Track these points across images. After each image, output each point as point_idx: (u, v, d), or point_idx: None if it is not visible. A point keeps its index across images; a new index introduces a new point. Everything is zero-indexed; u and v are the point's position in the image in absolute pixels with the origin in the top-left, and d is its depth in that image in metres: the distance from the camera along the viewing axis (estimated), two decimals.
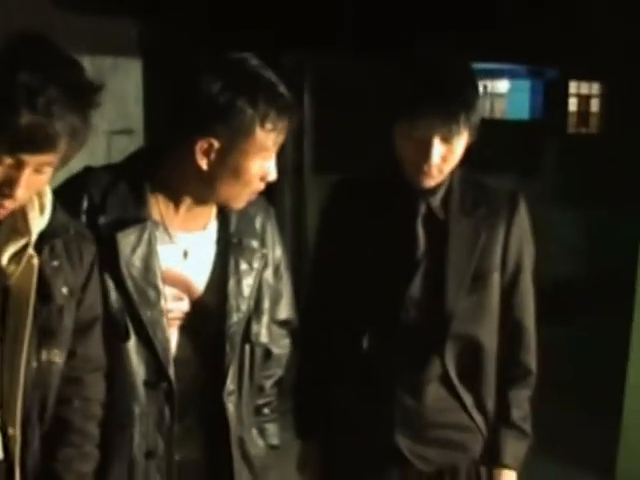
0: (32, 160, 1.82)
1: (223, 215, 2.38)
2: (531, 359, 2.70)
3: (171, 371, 2.28)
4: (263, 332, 2.45)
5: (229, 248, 2.37)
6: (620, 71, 9.03)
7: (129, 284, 2.20)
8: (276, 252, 2.51)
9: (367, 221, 2.58)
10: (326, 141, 7.71)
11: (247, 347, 2.41)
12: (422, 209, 2.54)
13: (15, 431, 1.99)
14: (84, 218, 2.19)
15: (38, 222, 1.97)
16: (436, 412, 2.61)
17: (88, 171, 2.29)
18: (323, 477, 2.83)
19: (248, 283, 2.38)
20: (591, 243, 9.28)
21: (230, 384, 2.37)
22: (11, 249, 1.93)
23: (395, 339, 2.57)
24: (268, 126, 2.17)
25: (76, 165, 5.73)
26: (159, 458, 2.32)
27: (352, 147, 7.44)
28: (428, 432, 2.62)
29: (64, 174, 2.13)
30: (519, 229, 2.61)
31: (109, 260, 2.18)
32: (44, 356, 2.01)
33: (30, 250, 1.94)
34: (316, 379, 2.75)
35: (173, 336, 2.32)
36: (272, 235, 2.49)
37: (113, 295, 2.20)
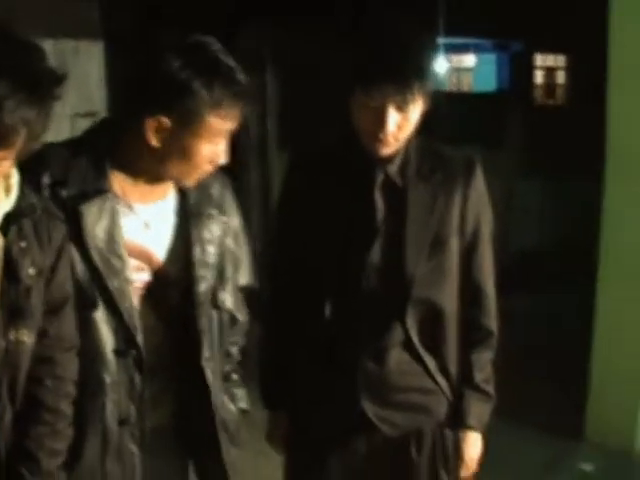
0: None
1: (181, 188, 2.41)
2: (491, 321, 2.73)
3: (139, 338, 2.32)
4: (228, 298, 2.50)
5: (190, 218, 2.40)
6: (585, 43, 9.08)
7: (94, 254, 2.23)
8: (234, 220, 2.55)
9: (326, 190, 2.60)
10: (289, 116, 7.70)
11: (215, 314, 2.46)
12: (380, 177, 2.56)
13: None
14: (47, 192, 2.22)
15: (3, 204, 1.97)
16: (400, 376, 2.64)
17: (49, 147, 2.29)
18: (292, 446, 2.87)
19: (212, 251, 2.42)
20: (557, 213, 9.35)
21: (206, 351, 2.42)
22: None
23: (357, 306, 2.60)
24: (221, 112, 2.19)
25: None
26: (132, 425, 2.36)
27: (315, 121, 7.47)
28: (393, 396, 2.66)
29: None
30: (476, 193, 2.64)
31: (73, 232, 2.21)
32: (12, 336, 2.02)
33: None
34: (280, 349, 2.78)
35: (140, 308, 2.35)
36: (229, 203, 2.53)
37: (79, 266, 2.23)
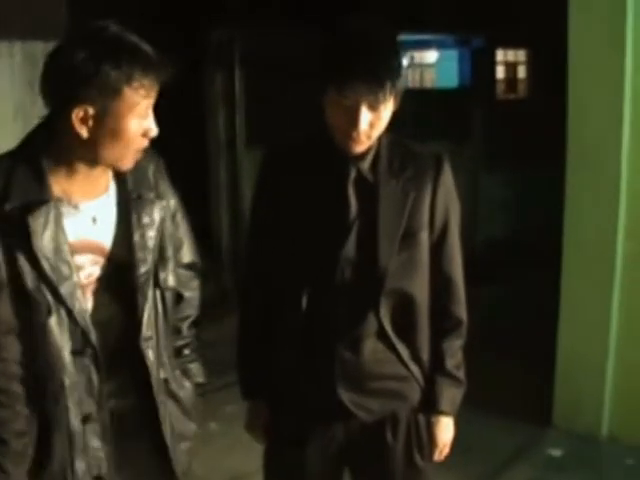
0: None
1: (119, 175, 2.46)
2: (461, 310, 2.81)
3: (93, 337, 2.38)
4: (170, 278, 2.55)
5: (130, 204, 2.45)
6: (544, 38, 9.16)
7: (44, 263, 2.27)
8: (171, 201, 2.60)
9: (300, 186, 2.66)
10: (258, 114, 7.73)
11: (157, 293, 2.51)
12: (352, 173, 2.63)
13: None
14: None
15: None
16: (374, 364, 2.71)
17: None
18: (271, 434, 2.92)
19: (150, 235, 2.47)
20: (522, 204, 9.45)
21: (147, 331, 2.47)
22: None
23: (332, 297, 2.66)
24: (135, 84, 2.23)
25: (9, 147, 5.75)
26: (94, 421, 2.43)
27: (284, 119, 7.50)
28: (368, 384, 2.73)
29: None
30: (445, 188, 2.71)
31: (20, 243, 2.26)
32: None
33: None
34: (258, 339, 2.84)
35: (93, 302, 2.42)
36: (165, 185, 2.58)
37: (30, 276, 2.28)
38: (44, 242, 2.27)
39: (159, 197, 2.52)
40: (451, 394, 2.82)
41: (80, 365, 2.38)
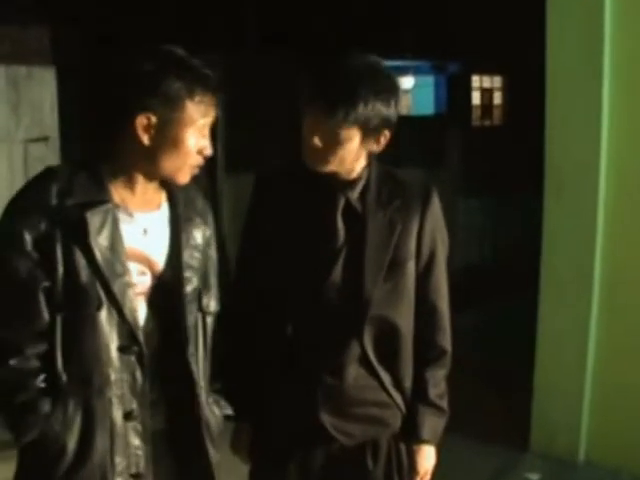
0: None
1: (172, 198, 2.56)
2: (446, 340, 2.83)
3: (140, 335, 2.45)
4: (212, 303, 2.63)
5: (180, 225, 2.55)
6: (520, 65, 9.25)
7: (99, 259, 2.37)
8: (215, 234, 2.69)
9: (289, 213, 2.71)
10: (238, 140, 7.80)
11: (200, 316, 2.59)
12: (341, 202, 2.68)
13: None
14: (54, 201, 2.37)
15: None
16: (357, 390, 2.73)
17: (51, 168, 2.49)
18: (255, 456, 2.95)
19: (197, 256, 2.57)
20: (497, 229, 9.52)
21: (191, 347, 2.55)
22: None
23: (317, 323, 2.69)
24: (196, 98, 2.38)
25: None
26: (136, 420, 2.48)
27: (263, 146, 7.56)
28: (350, 409, 2.75)
29: None
30: (432, 220, 2.75)
31: (79, 238, 2.36)
32: None
33: None
34: (245, 363, 2.85)
35: (141, 309, 2.49)
36: (210, 218, 2.69)
37: (85, 270, 2.37)
38: (101, 239, 2.38)
39: (205, 223, 2.63)
40: (433, 423, 2.84)
41: (126, 362, 2.45)
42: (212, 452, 2.66)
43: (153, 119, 2.37)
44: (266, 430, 2.88)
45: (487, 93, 10.80)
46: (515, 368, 5.87)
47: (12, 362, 2.36)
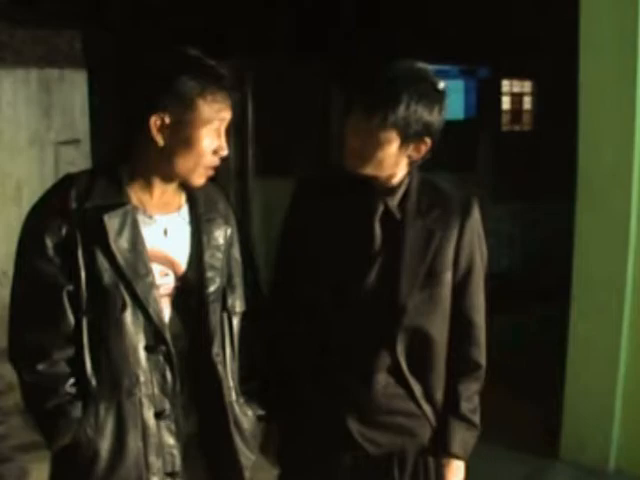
0: None
1: (191, 199, 2.58)
2: (481, 355, 2.81)
3: (167, 335, 2.47)
4: (238, 303, 2.64)
5: (201, 226, 2.57)
6: (550, 69, 9.20)
7: (120, 260, 2.40)
8: (235, 234, 2.69)
9: (327, 218, 2.72)
10: (268, 145, 7.80)
11: (225, 316, 2.60)
12: (380, 208, 2.68)
13: None
14: (74, 205, 2.40)
15: None
16: (385, 399, 2.73)
17: (70, 174, 2.52)
18: (283, 457, 2.96)
19: (219, 256, 2.58)
20: (527, 236, 9.46)
21: (216, 347, 2.56)
22: None
23: (350, 329, 2.69)
24: (208, 97, 2.40)
25: (26, 174, 5.79)
26: (168, 419, 2.50)
27: (294, 150, 7.56)
28: (378, 418, 2.75)
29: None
30: (471, 231, 2.73)
31: (99, 241, 2.39)
32: None
33: None
34: (277, 366, 2.85)
35: (166, 310, 2.51)
36: (232, 218, 2.69)
37: (107, 272, 2.40)
38: (121, 241, 2.41)
39: (227, 223, 2.63)
40: (464, 437, 2.82)
41: (154, 362, 2.48)
42: (245, 453, 2.67)
43: (167, 119, 2.39)
44: (294, 434, 2.88)
45: (517, 98, 10.74)
46: (545, 375, 5.82)
47: (40, 367, 2.39)
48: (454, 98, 10.31)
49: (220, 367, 2.57)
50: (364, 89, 2.60)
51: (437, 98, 2.62)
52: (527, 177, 9.32)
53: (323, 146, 7.89)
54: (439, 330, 2.75)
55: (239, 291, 2.66)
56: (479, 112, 10.10)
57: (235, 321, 2.64)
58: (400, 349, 2.70)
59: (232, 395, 2.63)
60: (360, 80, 2.64)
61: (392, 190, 2.69)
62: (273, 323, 2.88)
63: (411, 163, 2.70)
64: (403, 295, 2.66)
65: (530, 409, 5.96)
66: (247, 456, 2.69)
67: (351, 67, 2.75)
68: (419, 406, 2.77)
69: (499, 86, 10.48)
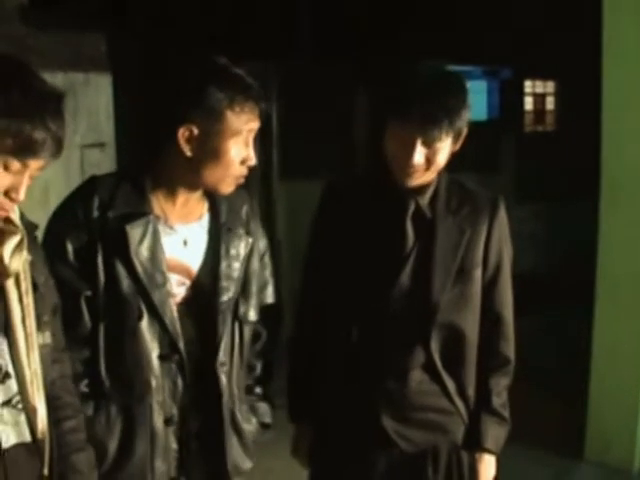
0: (34, 165, 1.95)
1: (214, 208, 2.59)
2: (510, 350, 2.84)
3: (181, 345, 2.50)
4: (251, 313, 2.66)
5: (220, 235, 2.58)
6: (573, 70, 9.19)
7: (139, 270, 2.43)
8: (260, 242, 2.73)
9: (358, 218, 2.74)
10: (293, 147, 7.83)
11: (236, 325, 2.62)
12: (411, 207, 2.70)
13: (42, 410, 2.12)
14: (96, 213, 2.43)
15: (19, 221, 2.10)
16: (419, 396, 2.76)
17: (95, 178, 2.54)
18: (315, 458, 2.98)
19: (236, 267, 2.59)
20: (550, 236, 9.45)
21: (222, 356, 2.58)
22: (10, 246, 2.05)
23: (383, 327, 2.71)
24: (237, 108, 2.39)
25: (52, 177, 5.81)
26: (176, 426, 2.54)
27: (318, 153, 7.58)
28: (411, 414, 2.77)
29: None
30: (499, 229, 2.77)
31: (119, 250, 2.42)
32: (41, 339, 2.14)
33: (25, 246, 2.07)
34: (308, 366, 2.90)
35: (180, 317, 2.53)
36: (256, 226, 2.71)
37: (125, 281, 2.44)
38: (141, 250, 2.43)
39: (248, 234, 2.64)
40: (496, 432, 2.84)
41: (167, 369, 2.51)
42: (244, 459, 2.70)
43: (195, 131, 2.39)
44: (326, 433, 2.90)
45: (540, 98, 10.72)
46: (570, 376, 5.81)
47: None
48: (477, 99, 10.29)
49: (223, 376, 2.59)
50: (415, 103, 2.55)
51: (467, 93, 2.65)
52: (550, 177, 9.31)
53: (348, 149, 7.91)
54: (470, 326, 2.77)
55: (253, 300, 2.68)
56: (502, 113, 10.10)
57: (246, 330, 2.67)
58: (434, 346, 2.72)
59: (235, 403, 2.66)
60: (403, 95, 2.61)
61: (422, 189, 2.71)
62: (305, 325, 2.93)
63: None
64: (436, 292, 2.69)
65: (555, 410, 5.95)
66: (245, 462, 2.72)
67: (382, 73, 2.72)
68: (452, 402, 2.80)
69: (522, 87, 10.47)
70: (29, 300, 2.10)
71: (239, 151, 2.44)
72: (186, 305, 2.56)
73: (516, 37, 8.83)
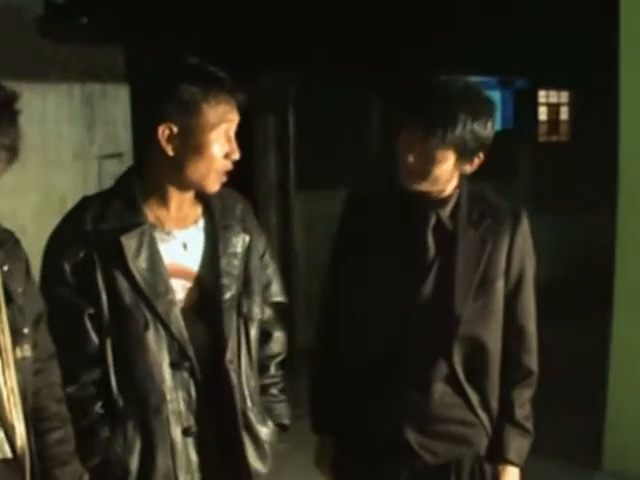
0: None
1: (208, 209, 2.59)
2: (533, 361, 2.83)
3: (190, 351, 2.49)
4: (255, 310, 2.65)
5: (217, 233, 2.57)
6: (586, 79, 9.19)
7: (139, 281, 2.42)
8: (259, 241, 2.72)
9: (379, 229, 2.74)
10: (310, 158, 7.84)
11: (241, 322, 2.60)
12: (432, 219, 2.70)
13: (21, 427, 2.11)
14: (90, 227, 2.42)
15: None
16: (442, 408, 2.74)
17: (86, 197, 2.56)
18: (337, 469, 2.96)
19: (235, 264, 2.59)
20: (566, 246, 9.44)
21: (230, 354, 2.56)
22: None
23: (405, 340, 2.70)
24: (212, 101, 2.40)
25: (70, 187, 5.82)
26: (194, 435, 2.52)
27: (334, 163, 7.58)
28: (435, 427, 2.75)
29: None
30: (521, 240, 2.76)
31: (117, 262, 2.41)
32: (19, 353, 2.12)
33: None
34: (331, 377, 2.88)
35: (187, 321, 2.52)
36: (252, 224, 2.71)
37: (127, 293, 2.43)
38: (139, 261, 2.42)
39: (245, 231, 2.64)
40: (519, 444, 2.83)
41: (180, 379, 2.49)
42: (258, 462, 2.67)
43: (175, 128, 2.39)
44: (350, 445, 2.89)
45: (554, 108, 10.73)
46: (587, 386, 5.79)
47: (70, 390, 2.40)
48: None
49: (233, 374, 2.57)
50: (420, 108, 2.61)
51: (490, 113, 2.64)
52: (565, 187, 9.30)
53: (364, 159, 7.92)
54: (493, 338, 2.77)
55: (256, 298, 2.67)
56: (516, 123, 10.11)
57: (252, 328, 2.65)
58: (457, 358, 2.72)
59: (247, 403, 2.64)
60: (414, 98, 2.67)
61: (443, 201, 2.71)
62: (327, 337, 2.92)
63: (462, 175, 2.72)
64: (458, 305, 2.69)
65: (572, 420, 5.93)
66: (260, 465, 2.69)
67: (398, 82, 2.73)
68: (475, 414, 2.79)
69: (536, 97, 10.48)
70: (2, 315, 2.08)
71: (221, 145, 2.45)
72: (191, 308, 2.55)
73: (530, 48, 8.84)
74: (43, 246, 2.47)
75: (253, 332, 2.65)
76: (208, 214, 2.60)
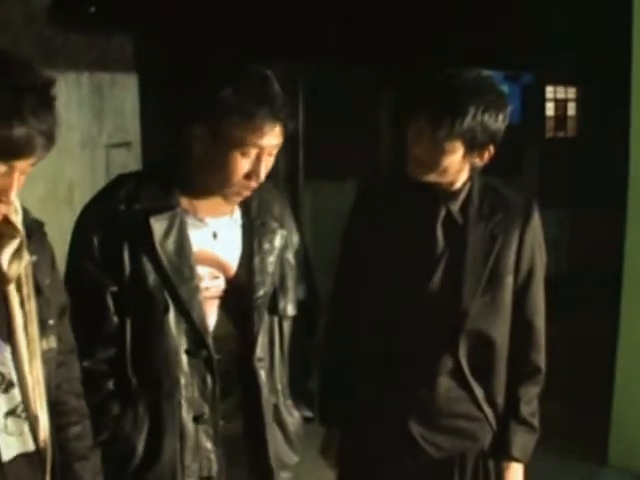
0: (21, 165, 1.87)
1: (245, 203, 2.55)
2: (540, 358, 2.81)
3: (209, 340, 2.46)
4: (289, 307, 2.63)
5: (253, 229, 2.56)
6: (595, 75, 9.18)
7: (165, 263, 2.39)
8: (294, 237, 2.70)
9: (389, 222, 2.73)
10: (318, 149, 7.85)
11: (275, 320, 2.59)
12: (442, 213, 2.68)
13: (44, 418, 2.08)
14: (122, 206, 2.40)
15: (19, 223, 2.04)
16: (447, 402, 2.73)
17: (122, 175, 2.54)
18: (343, 461, 2.96)
19: (271, 261, 2.56)
20: (572, 242, 9.43)
21: (260, 352, 2.55)
22: (8, 251, 1.99)
23: (412, 333, 2.69)
24: (244, 121, 2.32)
25: (78, 176, 5.83)
26: (206, 423, 2.50)
27: (343, 154, 7.58)
28: (439, 421, 2.74)
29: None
30: (532, 235, 2.73)
31: (145, 243, 2.39)
32: (45, 345, 2.09)
33: (25, 249, 2.02)
34: (340, 369, 2.87)
35: (213, 313, 2.52)
36: (289, 221, 2.69)
37: (151, 275, 2.40)
38: (167, 244, 2.40)
39: (282, 227, 2.62)
40: (524, 441, 2.81)
41: (195, 366, 2.47)
42: (288, 454, 2.67)
43: (203, 132, 2.36)
44: (355, 437, 2.88)
45: (561, 104, 10.72)
46: (593, 381, 5.79)
47: (85, 364, 2.38)
48: None
49: (262, 372, 2.56)
50: (429, 99, 2.60)
51: (502, 106, 2.61)
52: (572, 183, 9.30)
53: (373, 150, 7.92)
54: (501, 334, 2.75)
55: (291, 295, 2.65)
56: (523, 118, 10.09)
57: (286, 325, 2.64)
58: (462, 352, 2.70)
59: (279, 398, 2.64)
60: (424, 90, 2.65)
61: (454, 195, 2.69)
62: (336, 329, 2.90)
63: (473, 168, 2.70)
64: (466, 299, 2.67)
65: (579, 416, 5.91)
66: (290, 456, 2.69)
67: (407, 74, 2.73)
68: (481, 409, 2.78)
69: (543, 92, 10.46)
70: (31, 306, 2.06)
71: (244, 164, 2.38)
72: (223, 300, 2.54)
73: (538, 42, 8.83)
74: (51, 234, 2.45)
75: (286, 329, 2.64)
76: (244, 208, 2.57)
